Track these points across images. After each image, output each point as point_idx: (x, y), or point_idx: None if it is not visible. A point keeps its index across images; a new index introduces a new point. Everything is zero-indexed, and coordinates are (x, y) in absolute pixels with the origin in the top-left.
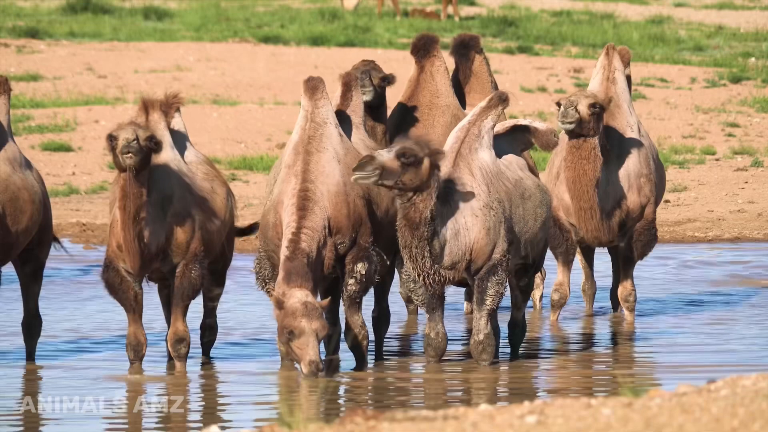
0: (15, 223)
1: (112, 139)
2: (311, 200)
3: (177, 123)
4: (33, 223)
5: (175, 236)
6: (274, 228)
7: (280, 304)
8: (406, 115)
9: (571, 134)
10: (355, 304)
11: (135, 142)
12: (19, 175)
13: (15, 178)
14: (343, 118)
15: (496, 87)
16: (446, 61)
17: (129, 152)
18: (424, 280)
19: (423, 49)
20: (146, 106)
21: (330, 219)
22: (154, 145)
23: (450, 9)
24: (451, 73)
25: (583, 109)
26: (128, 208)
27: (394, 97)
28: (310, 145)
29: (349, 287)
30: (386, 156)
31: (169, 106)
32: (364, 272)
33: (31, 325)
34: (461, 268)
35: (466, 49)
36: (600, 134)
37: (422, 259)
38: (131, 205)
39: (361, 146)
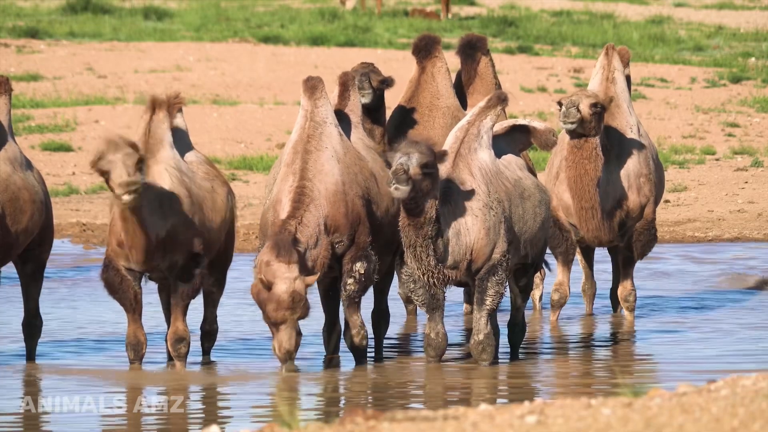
0: (15, 223)
1: (102, 172)
2: (308, 197)
3: (179, 123)
4: (33, 223)
5: (176, 236)
6: (273, 227)
7: (268, 287)
8: (407, 116)
9: (573, 134)
10: (354, 303)
11: (136, 185)
12: (20, 175)
13: (15, 178)
14: (341, 118)
15: (499, 89)
16: (447, 61)
17: (129, 193)
18: (428, 279)
19: (424, 49)
20: (154, 105)
21: (327, 217)
22: (143, 164)
23: (449, 9)
24: (455, 73)
25: (585, 108)
26: (128, 217)
27: (394, 97)
28: (309, 144)
29: (348, 287)
30: (412, 169)
31: (171, 106)
32: (363, 272)
33: (32, 325)
34: (463, 267)
35: (472, 50)
36: (601, 134)
37: (427, 258)
38: (132, 215)
39: (360, 145)
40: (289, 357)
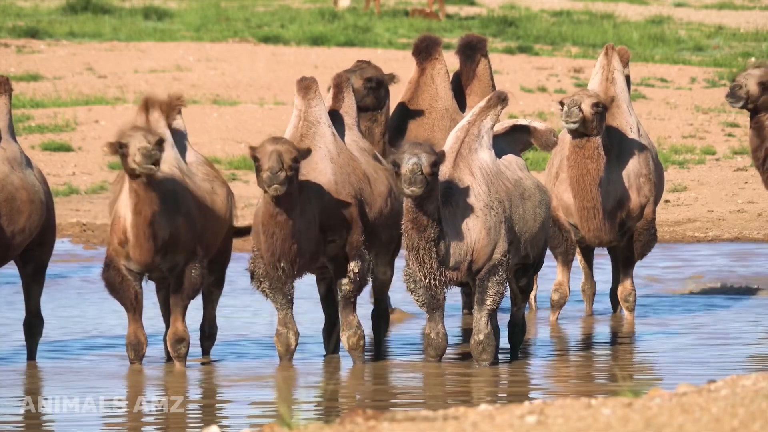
0: (11, 223)
1: (121, 146)
2: None
3: (178, 124)
4: (31, 223)
5: (177, 235)
6: None
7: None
8: (406, 117)
9: (574, 133)
10: (350, 304)
11: (155, 154)
12: (18, 174)
13: (13, 178)
14: (335, 119)
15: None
16: (447, 61)
17: (147, 163)
18: (430, 281)
19: (425, 51)
20: (147, 105)
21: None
22: (162, 147)
23: (445, 8)
24: (453, 73)
25: (587, 108)
26: (144, 213)
27: (393, 98)
28: (302, 143)
29: (343, 287)
30: (424, 168)
31: (172, 108)
32: (357, 271)
33: (32, 325)
34: (464, 268)
35: (472, 51)
36: (602, 133)
37: (429, 260)
38: (147, 209)
39: (354, 147)
40: (272, 176)
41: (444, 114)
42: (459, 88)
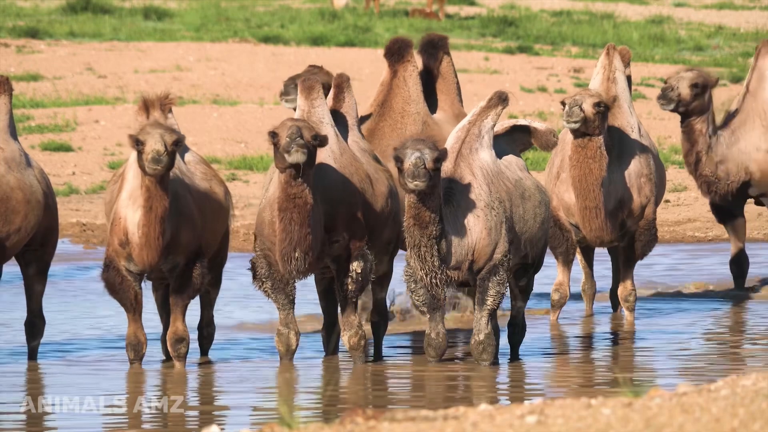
0: (6, 223)
1: (138, 143)
2: None
3: (170, 123)
4: (28, 223)
5: (178, 235)
6: (270, 225)
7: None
8: (379, 120)
9: (576, 133)
10: (352, 303)
11: (165, 154)
12: (15, 174)
13: (9, 178)
14: (336, 119)
15: (459, 90)
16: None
17: (158, 164)
18: (431, 280)
19: (397, 53)
20: (146, 105)
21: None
22: (179, 146)
23: (445, 8)
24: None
25: (588, 108)
26: (155, 209)
27: (366, 99)
28: None
29: (345, 287)
30: (428, 163)
31: (163, 107)
32: (360, 271)
33: (34, 325)
34: (465, 268)
35: (434, 49)
36: (604, 133)
37: (431, 258)
38: (158, 206)
39: (355, 147)
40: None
41: (416, 117)
42: (425, 87)
